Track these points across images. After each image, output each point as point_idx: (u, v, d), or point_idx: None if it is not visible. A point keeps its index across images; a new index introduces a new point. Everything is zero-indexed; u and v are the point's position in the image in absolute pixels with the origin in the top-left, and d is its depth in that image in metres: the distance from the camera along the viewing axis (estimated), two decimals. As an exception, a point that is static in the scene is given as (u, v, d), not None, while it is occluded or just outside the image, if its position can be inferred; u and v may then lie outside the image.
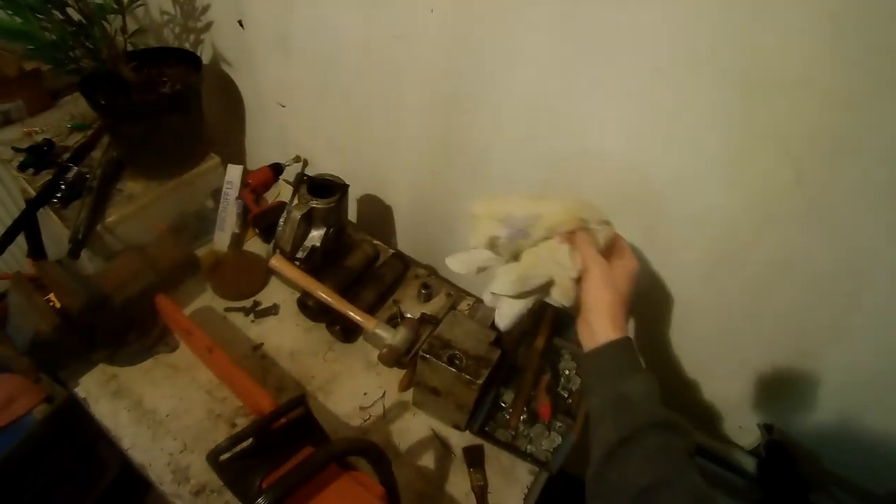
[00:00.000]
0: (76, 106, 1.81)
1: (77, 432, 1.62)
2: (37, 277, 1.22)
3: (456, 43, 1.13)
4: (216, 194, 1.55)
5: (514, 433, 1.21)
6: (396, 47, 1.23)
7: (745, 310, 1.09)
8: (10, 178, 1.76)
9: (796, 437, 1.18)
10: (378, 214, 1.60)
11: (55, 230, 1.51)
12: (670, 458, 0.71)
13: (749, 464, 1.24)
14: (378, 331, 1.27)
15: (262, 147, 1.80)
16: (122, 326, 1.26)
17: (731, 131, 0.90)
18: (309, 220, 1.35)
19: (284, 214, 1.36)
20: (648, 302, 1.19)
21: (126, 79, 1.47)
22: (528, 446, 1.20)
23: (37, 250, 1.57)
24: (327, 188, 1.38)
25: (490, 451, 1.20)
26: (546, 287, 0.86)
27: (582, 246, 0.86)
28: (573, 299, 0.85)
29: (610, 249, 0.92)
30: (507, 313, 0.86)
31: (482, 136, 1.24)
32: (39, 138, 1.66)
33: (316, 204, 1.33)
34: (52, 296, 1.18)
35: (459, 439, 1.22)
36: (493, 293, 0.87)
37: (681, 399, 1.29)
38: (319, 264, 1.38)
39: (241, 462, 0.94)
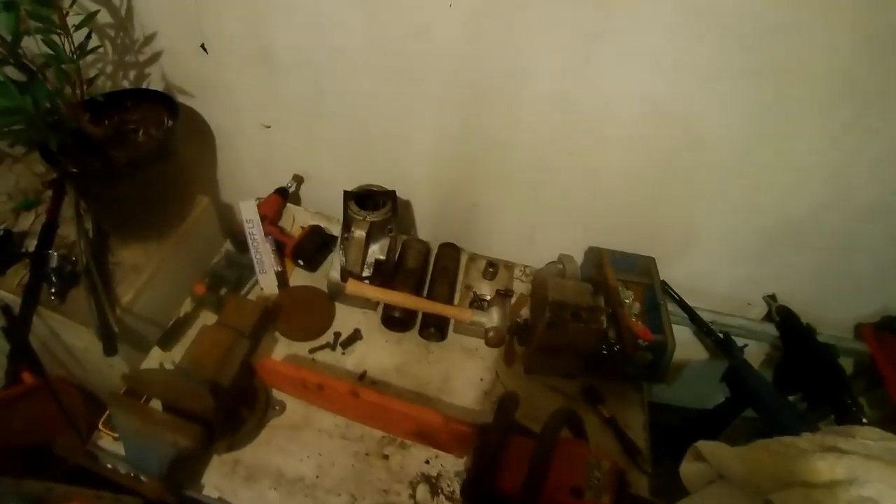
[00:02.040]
0: (5, 182, 1.53)
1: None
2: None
3: (475, 34, 1.15)
4: (233, 237, 1.43)
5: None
6: (411, 44, 1.21)
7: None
8: None
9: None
10: (398, 209, 1.56)
11: (62, 329, 1.32)
12: None
13: (769, 328, 1.54)
14: (476, 318, 1.30)
15: (242, 174, 1.65)
16: (235, 407, 1.17)
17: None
18: (368, 236, 1.31)
19: (343, 238, 1.31)
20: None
21: (91, 135, 1.28)
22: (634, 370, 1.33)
23: (30, 359, 1.36)
24: (368, 198, 1.35)
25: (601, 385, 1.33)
26: None
27: None
28: None
29: None
30: None
31: (503, 119, 1.28)
32: (-14, 232, 1.40)
33: (374, 218, 1.30)
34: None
35: (573, 386, 1.33)
36: None
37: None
38: (390, 276, 1.36)
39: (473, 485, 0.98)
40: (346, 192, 1.35)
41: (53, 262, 1.33)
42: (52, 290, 1.32)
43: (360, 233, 1.28)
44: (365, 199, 1.36)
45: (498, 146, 1.35)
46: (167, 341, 1.28)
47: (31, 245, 1.37)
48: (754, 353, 1.63)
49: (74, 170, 1.26)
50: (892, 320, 1.52)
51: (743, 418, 1.45)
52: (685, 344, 1.66)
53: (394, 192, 1.37)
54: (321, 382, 1.15)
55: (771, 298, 1.53)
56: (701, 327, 1.50)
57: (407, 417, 1.13)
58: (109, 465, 1.19)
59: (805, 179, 1.25)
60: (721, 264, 1.48)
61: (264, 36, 1.31)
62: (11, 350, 1.27)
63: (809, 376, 1.46)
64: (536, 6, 1.07)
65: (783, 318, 1.51)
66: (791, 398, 1.51)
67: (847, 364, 1.58)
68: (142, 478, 1.13)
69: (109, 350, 1.25)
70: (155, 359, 1.28)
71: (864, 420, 1.36)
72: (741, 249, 1.43)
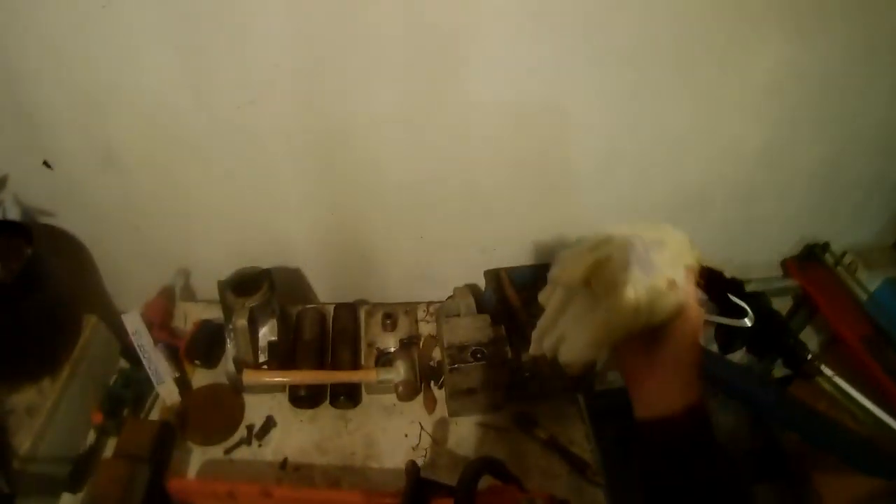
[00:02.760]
0: None
1: None
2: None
3: (313, 84, 1.13)
4: (126, 352, 1.38)
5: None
6: (245, 113, 1.17)
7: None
8: None
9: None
10: (288, 281, 1.53)
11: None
12: None
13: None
14: (382, 376, 1.27)
15: (128, 280, 1.59)
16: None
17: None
18: (253, 321, 1.27)
19: (228, 330, 1.27)
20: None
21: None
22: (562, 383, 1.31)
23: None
24: (248, 282, 1.30)
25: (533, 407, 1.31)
26: None
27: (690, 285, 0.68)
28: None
29: None
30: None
31: (368, 152, 1.25)
32: None
33: (253, 303, 1.26)
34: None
35: (504, 417, 1.31)
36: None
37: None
38: (285, 354, 1.31)
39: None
40: (219, 283, 1.31)
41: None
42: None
43: (242, 321, 1.25)
44: (244, 283, 1.31)
45: (367, 192, 1.33)
46: (75, 483, 1.22)
47: None
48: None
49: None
50: (812, 248, 1.55)
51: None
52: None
53: (268, 270, 1.33)
54: (230, 490, 1.11)
55: None
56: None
57: (327, 503, 1.10)
58: None
59: (684, 141, 1.27)
60: None
61: (103, 140, 1.25)
62: None
63: (747, 330, 1.43)
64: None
65: (707, 279, 1.47)
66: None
67: (785, 303, 1.59)
68: None
69: (7, 512, 1.20)
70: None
71: (809, 356, 1.33)
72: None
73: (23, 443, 1.26)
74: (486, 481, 0.95)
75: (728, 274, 1.46)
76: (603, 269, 0.61)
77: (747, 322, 0.82)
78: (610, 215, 1.36)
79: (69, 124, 1.23)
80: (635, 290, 0.60)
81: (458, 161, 1.26)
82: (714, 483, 0.63)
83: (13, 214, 1.42)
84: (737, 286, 1.46)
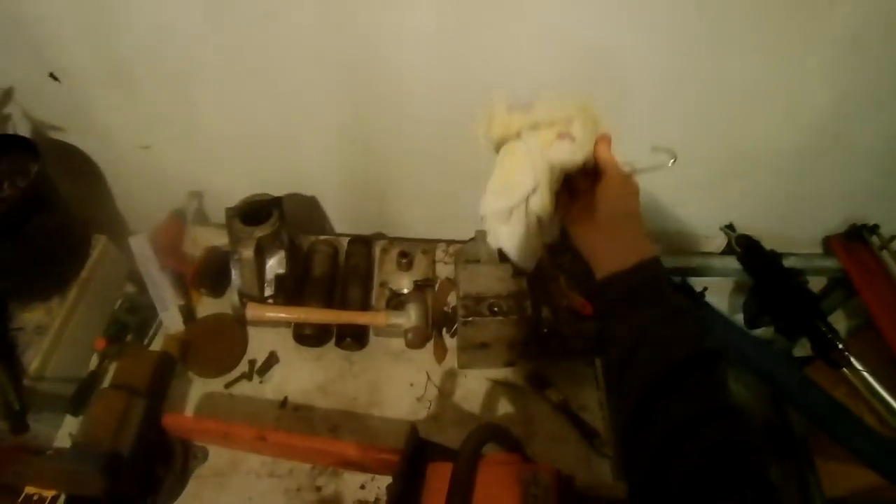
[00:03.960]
0: None
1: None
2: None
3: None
4: (133, 276, 1.34)
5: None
6: (260, 28, 1.08)
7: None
8: None
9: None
10: (303, 209, 1.46)
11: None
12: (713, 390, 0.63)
13: (730, 261, 1.42)
14: (392, 320, 1.20)
15: (138, 202, 1.55)
16: (146, 469, 1.10)
17: None
18: (261, 253, 1.21)
19: (233, 260, 1.21)
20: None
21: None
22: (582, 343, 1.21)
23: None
24: (258, 210, 1.23)
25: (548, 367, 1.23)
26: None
27: (601, 147, 0.75)
28: (549, 213, 0.74)
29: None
30: (506, 240, 0.77)
31: (388, 81, 1.15)
32: None
33: (261, 233, 1.19)
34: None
35: (516, 374, 1.23)
36: (482, 216, 0.77)
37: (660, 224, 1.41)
38: (293, 288, 1.25)
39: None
40: (227, 210, 1.24)
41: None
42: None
43: (248, 252, 1.19)
44: (256, 212, 1.24)
45: (393, 118, 1.23)
46: (77, 406, 1.21)
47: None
48: (720, 289, 1.50)
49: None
50: (859, 229, 1.40)
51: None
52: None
53: (279, 198, 1.26)
54: (225, 431, 1.09)
55: (729, 229, 1.39)
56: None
57: (323, 452, 1.07)
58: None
59: (747, 100, 1.13)
60: (668, 202, 1.34)
61: (112, 53, 1.18)
62: None
63: (779, 307, 1.33)
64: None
65: (745, 247, 1.37)
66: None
67: (820, 281, 1.48)
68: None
69: (17, 429, 1.19)
70: (68, 426, 1.22)
71: (840, 345, 1.25)
72: (688, 183, 1.29)
73: (32, 361, 1.26)
74: (487, 447, 0.88)
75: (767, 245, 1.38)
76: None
77: (669, 163, 0.77)
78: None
79: (75, 36, 1.16)
80: (526, 143, 0.73)
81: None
82: (666, 332, 0.65)
83: (23, 130, 1.38)
84: (774, 259, 1.36)
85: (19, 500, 1.00)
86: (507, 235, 0.76)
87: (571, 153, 0.72)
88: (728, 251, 1.42)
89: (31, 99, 1.33)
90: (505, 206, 0.74)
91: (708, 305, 1.40)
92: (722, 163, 1.26)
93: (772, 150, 1.23)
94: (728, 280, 1.53)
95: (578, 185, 0.77)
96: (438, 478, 0.88)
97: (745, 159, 1.25)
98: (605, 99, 1.08)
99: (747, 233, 1.38)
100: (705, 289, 1.40)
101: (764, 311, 1.36)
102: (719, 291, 1.54)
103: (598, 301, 0.72)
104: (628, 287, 0.69)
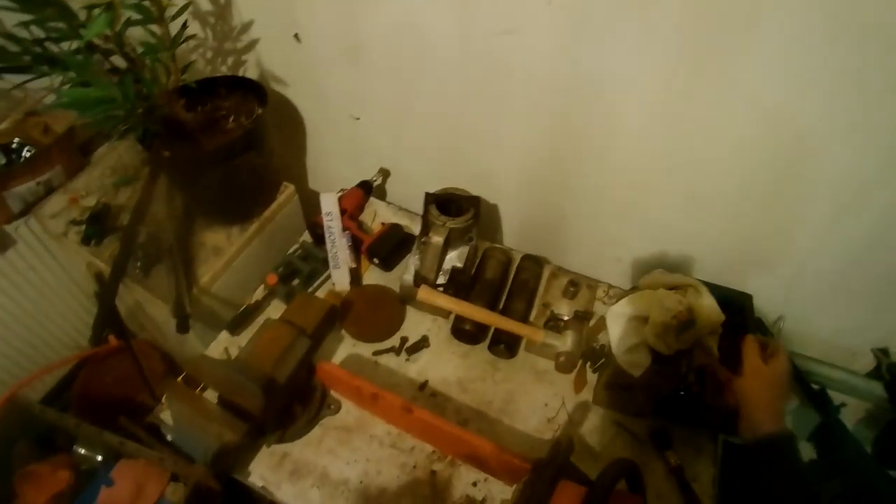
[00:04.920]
0: (111, 157, 1.60)
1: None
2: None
3: (574, 31, 1.05)
4: (312, 228, 1.42)
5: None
6: (504, 42, 1.13)
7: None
8: (69, 254, 1.58)
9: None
10: (483, 213, 1.50)
11: (145, 301, 1.36)
12: None
13: (875, 386, 1.32)
14: (549, 340, 1.22)
15: (329, 164, 1.65)
16: (287, 403, 1.16)
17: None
18: (447, 243, 1.26)
19: (420, 243, 1.27)
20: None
21: (184, 122, 1.30)
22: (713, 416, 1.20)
23: (116, 325, 1.42)
24: (451, 202, 1.29)
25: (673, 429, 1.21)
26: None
27: (748, 351, 1.03)
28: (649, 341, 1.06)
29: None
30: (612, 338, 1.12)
31: (600, 123, 1.18)
32: (88, 203, 1.48)
33: (454, 224, 1.25)
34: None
35: (642, 427, 1.22)
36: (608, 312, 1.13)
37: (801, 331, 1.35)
38: (466, 285, 1.30)
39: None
40: (427, 195, 1.30)
41: (141, 238, 1.38)
42: (138, 265, 1.36)
43: (437, 238, 1.24)
44: (447, 203, 1.30)
45: (592, 156, 1.25)
46: (236, 326, 1.29)
47: (126, 219, 1.42)
48: (853, 412, 1.45)
49: (166, 154, 1.28)
50: None
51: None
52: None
53: (478, 198, 1.31)
54: (376, 393, 1.12)
55: (882, 352, 1.34)
56: (795, 375, 1.34)
57: (459, 440, 1.09)
58: (169, 438, 1.21)
59: None
60: (826, 307, 1.30)
61: (355, 31, 1.28)
62: (98, 314, 1.32)
63: None
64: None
65: (895, 376, 1.32)
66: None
67: None
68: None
69: (182, 328, 1.28)
70: (222, 342, 1.30)
71: None
72: (853, 293, 1.24)
73: (203, 275, 1.34)
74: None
75: None
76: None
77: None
78: (824, 261, 1.20)
79: (327, 12, 1.27)
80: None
81: (691, 156, 1.15)
82: None
83: (253, 76, 1.49)
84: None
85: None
86: (613, 335, 1.10)
87: (677, 302, 1.04)
88: (875, 374, 1.38)
89: (270, 51, 1.45)
90: (622, 312, 1.10)
91: (841, 422, 1.36)
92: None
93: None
94: (862, 405, 1.48)
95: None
96: (566, 497, 0.90)
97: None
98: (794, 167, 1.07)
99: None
100: (843, 404, 1.37)
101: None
102: (855, 411, 1.49)
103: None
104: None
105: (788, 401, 1.01)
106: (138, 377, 1.50)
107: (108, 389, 1.72)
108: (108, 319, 1.32)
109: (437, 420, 1.10)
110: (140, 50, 1.19)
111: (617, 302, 1.12)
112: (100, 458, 1.26)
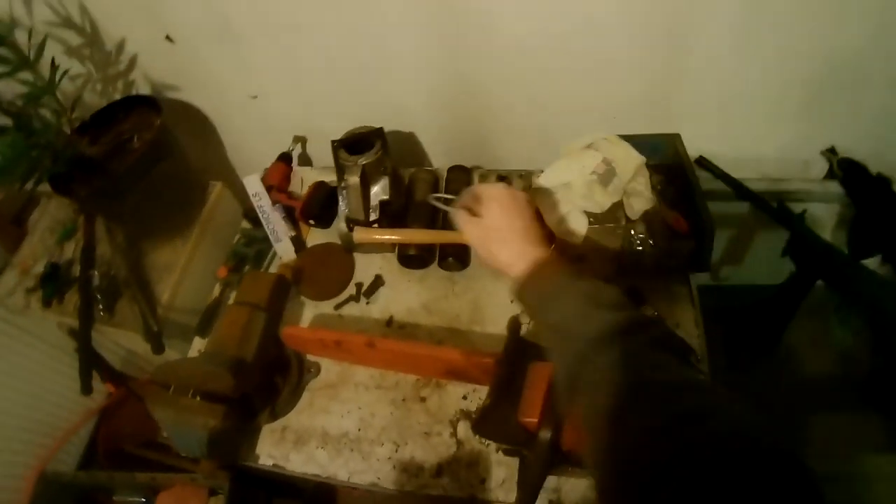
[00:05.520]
0: (45, 219, 1.64)
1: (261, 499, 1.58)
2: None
3: None
4: (248, 214, 1.44)
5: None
6: None
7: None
8: (38, 321, 1.62)
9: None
10: (403, 145, 1.52)
11: (120, 338, 1.41)
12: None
13: (832, 186, 1.33)
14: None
15: (248, 149, 1.67)
16: (267, 380, 1.19)
17: None
18: (366, 180, 1.27)
19: (340, 188, 1.28)
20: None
21: (92, 157, 1.33)
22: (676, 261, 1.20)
23: (107, 371, 1.46)
24: (361, 142, 1.30)
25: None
26: None
27: (456, 220, 0.97)
28: None
29: None
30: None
31: (486, 5, 1.16)
32: (38, 269, 1.51)
33: (365, 160, 1.25)
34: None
35: None
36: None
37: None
38: (396, 213, 1.32)
39: (494, 413, 0.92)
40: (333, 142, 1.31)
41: (96, 281, 1.41)
42: (101, 307, 1.40)
43: (354, 178, 1.25)
44: (357, 143, 1.31)
45: (484, 54, 1.26)
46: (203, 328, 1.32)
47: (78, 270, 1.45)
48: (824, 216, 1.43)
49: (83, 193, 1.31)
50: None
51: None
52: (744, 220, 1.50)
53: (381, 129, 1.31)
54: (337, 339, 1.14)
55: (830, 152, 1.32)
56: (750, 199, 1.32)
57: (428, 359, 1.11)
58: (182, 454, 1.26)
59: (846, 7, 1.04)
60: (765, 126, 1.30)
61: (218, 10, 1.27)
62: (80, 363, 1.36)
63: (888, 234, 1.25)
64: None
65: (848, 172, 1.29)
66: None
67: None
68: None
69: (157, 349, 1.32)
70: (196, 347, 1.33)
71: None
72: (785, 105, 1.24)
73: (163, 293, 1.37)
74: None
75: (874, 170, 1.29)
76: None
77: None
78: (748, 84, 1.20)
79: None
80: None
81: (582, 20, 1.15)
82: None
83: (145, 90, 1.51)
84: (882, 183, 1.28)
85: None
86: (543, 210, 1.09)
87: (591, 157, 1.09)
88: (830, 175, 1.36)
89: (151, 62, 1.46)
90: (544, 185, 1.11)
91: (808, 228, 1.35)
92: (820, 79, 1.17)
93: (873, 62, 1.12)
94: (830, 208, 1.45)
95: None
96: (539, 376, 0.90)
97: (844, 73, 1.15)
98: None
99: (851, 156, 1.30)
100: (804, 211, 1.36)
101: (869, 237, 1.29)
102: (820, 221, 1.47)
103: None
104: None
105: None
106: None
107: (129, 437, 1.78)
108: (90, 367, 1.35)
109: (400, 345, 1.12)
110: (20, 103, 1.22)
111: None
112: (143, 499, 1.31)
